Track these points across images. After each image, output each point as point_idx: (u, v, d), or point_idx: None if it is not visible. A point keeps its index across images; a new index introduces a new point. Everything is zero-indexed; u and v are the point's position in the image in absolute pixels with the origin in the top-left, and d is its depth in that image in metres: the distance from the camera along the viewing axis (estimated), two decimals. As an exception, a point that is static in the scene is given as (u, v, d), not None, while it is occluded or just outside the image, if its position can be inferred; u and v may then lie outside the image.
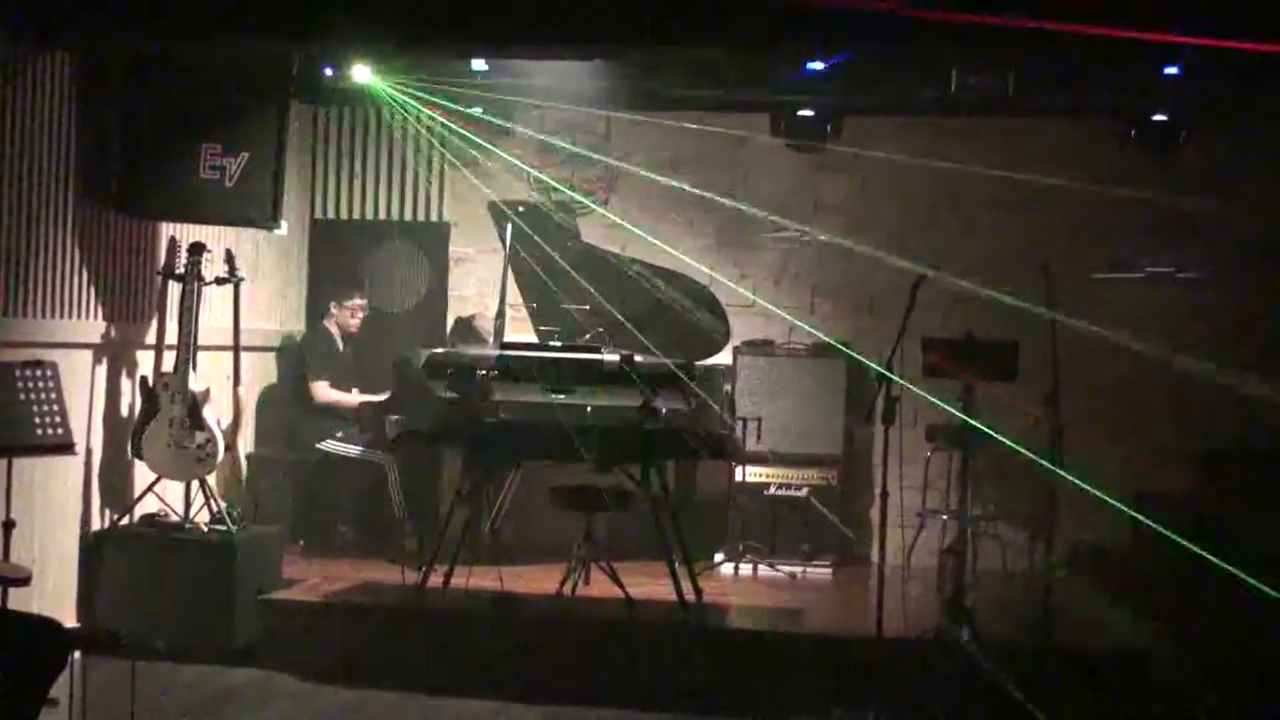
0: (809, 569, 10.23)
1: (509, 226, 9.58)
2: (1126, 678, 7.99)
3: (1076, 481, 7.84)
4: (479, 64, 9.71)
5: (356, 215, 11.65)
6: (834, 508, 10.51)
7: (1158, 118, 9.85)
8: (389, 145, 11.61)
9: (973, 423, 8.72)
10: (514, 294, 9.87)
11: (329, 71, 9.93)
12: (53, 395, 7.56)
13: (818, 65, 9.21)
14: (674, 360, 8.79)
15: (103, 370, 8.78)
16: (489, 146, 11.27)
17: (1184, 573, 9.53)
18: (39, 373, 7.53)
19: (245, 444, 9.70)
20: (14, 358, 7.61)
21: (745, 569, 10.23)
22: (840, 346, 10.39)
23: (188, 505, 8.94)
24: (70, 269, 8.45)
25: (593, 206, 11.33)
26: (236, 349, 9.29)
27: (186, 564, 8.53)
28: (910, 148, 10.98)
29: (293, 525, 10.26)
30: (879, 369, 7.84)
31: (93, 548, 8.61)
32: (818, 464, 10.53)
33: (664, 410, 8.68)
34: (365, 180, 11.64)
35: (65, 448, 7.66)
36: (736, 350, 10.60)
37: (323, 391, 10.37)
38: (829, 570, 10.29)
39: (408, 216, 11.61)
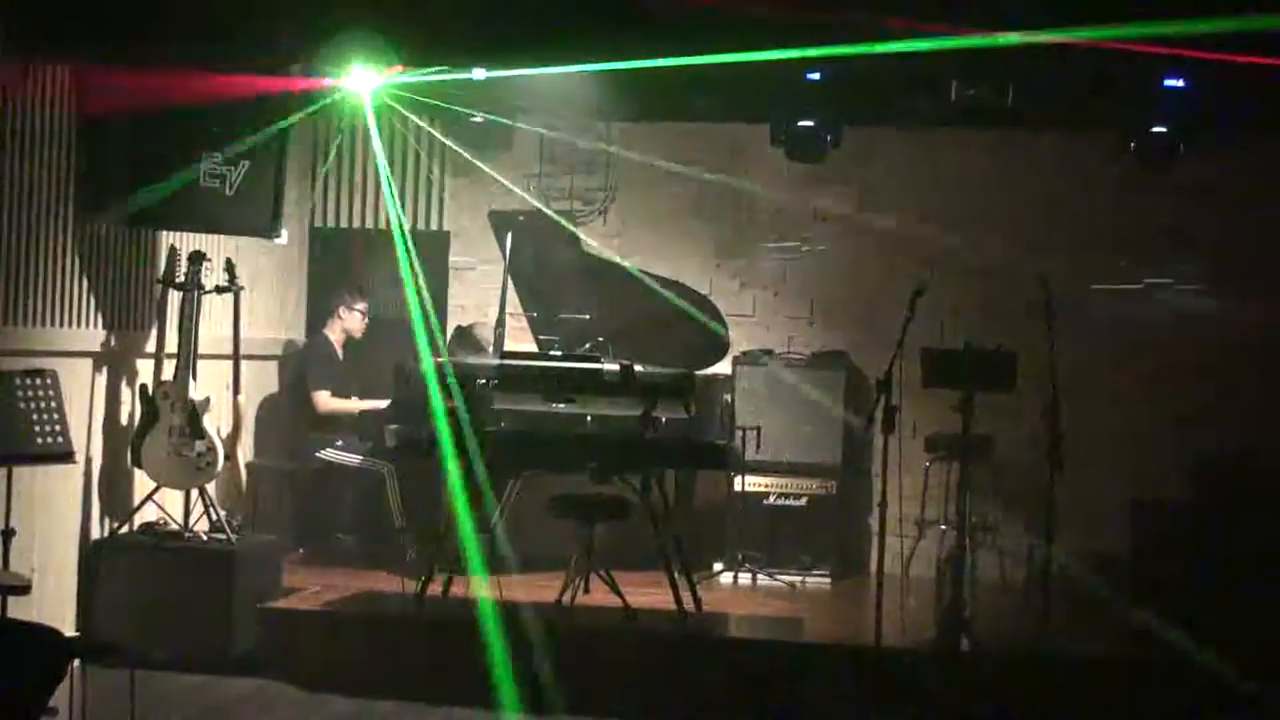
0: (808, 578, 10.24)
1: (509, 236, 9.59)
2: (1125, 687, 7.99)
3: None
4: (479, 73, 9.73)
5: (356, 224, 11.66)
6: (832, 517, 10.52)
7: (1156, 130, 9.85)
8: (389, 154, 11.60)
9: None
10: (514, 303, 9.88)
11: (329, 80, 9.95)
12: (53, 404, 7.56)
13: (817, 76, 9.26)
14: (673, 370, 8.80)
15: (103, 379, 8.78)
16: (489, 155, 11.30)
17: (1182, 580, 9.58)
18: (39, 381, 7.54)
19: (245, 452, 9.69)
20: (14, 366, 7.61)
21: (744, 578, 10.25)
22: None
23: (187, 514, 8.94)
24: (70, 277, 8.45)
25: (592, 216, 11.34)
26: (236, 358, 9.30)
27: (186, 573, 8.53)
28: (909, 159, 11.02)
29: (292, 534, 10.27)
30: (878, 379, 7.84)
31: (92, 556, 8.60)
32: (817, 473, 10.53)
33: (663, 420, 8.69)
34: (365, 189, 11.64)
35: (65, 456, 7.67)
36: (736, 360, 10.60)
37: (325, 401, 10.37)
38: (828, 580, 10.29)
39: (408, 225, 11.62)
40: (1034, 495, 9.18)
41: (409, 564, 9.53)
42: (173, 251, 9.12)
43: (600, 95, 9.99)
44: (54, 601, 8.24)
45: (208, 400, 8.84)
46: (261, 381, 10.78)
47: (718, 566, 10.33)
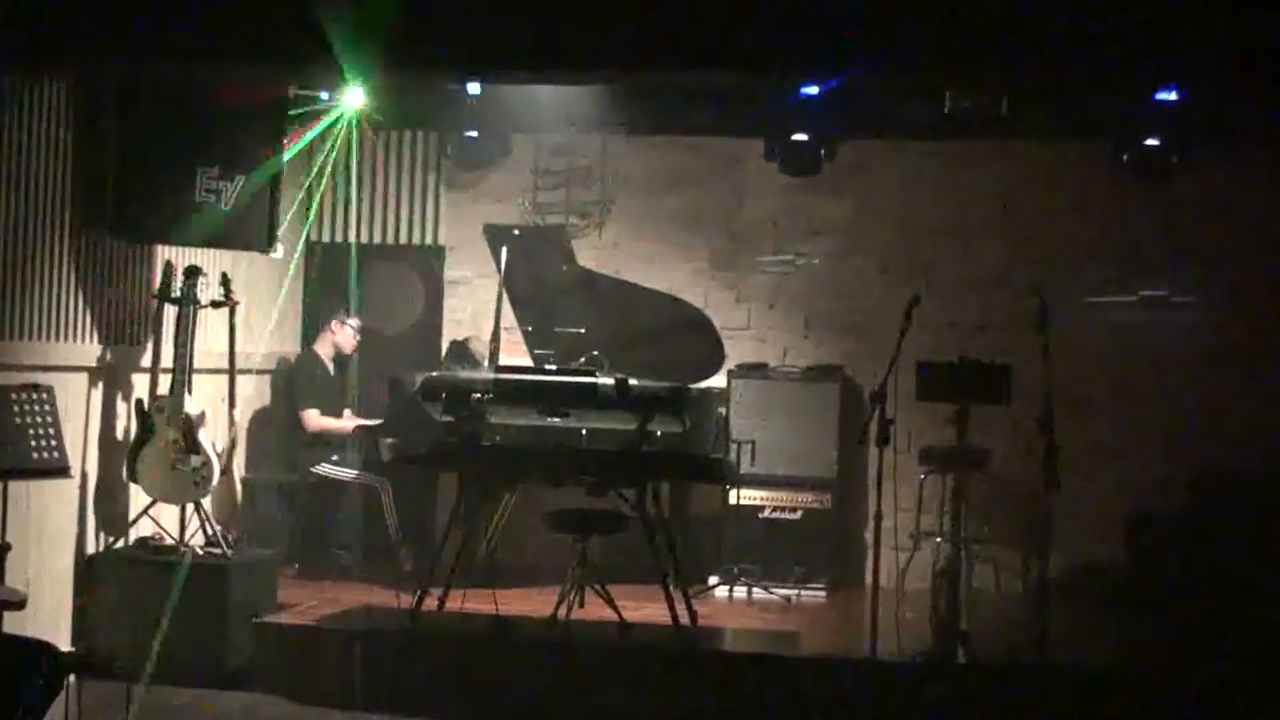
0: (803, 591, 10.24)
1: (504, 249, 9.60)
2: (1121, 699, 7.99)
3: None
4: (474, 87, 9.75)
5: (352, 238, 11.66)
6: (828, 530, 10.52)
7: (1150, 142, 9.87)
8: (385, 169, 11.62)
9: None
10: (509, 317, 9.89)
11: (324, 95, 9.97)
12: (48, 418, 7.58)
13: (812, 90, 9.28)
14: (669, 383, 8.80)
15: (98, 393, 8.79)
16: (485, 169, 11.33)
17: (1178, 593, 9.60)
18: (35, 396, 7.56)
19: (240, 467, 9.69)
20: (10, 381, 7.63)
21: (740, 592, 10.24)
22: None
23: (183, 528, 8.94)
24: (66, 292, 8.46)
25: (588, 229, 11.35)
26: (232, 372, 9.29)
27: (181, 587, 8.51)
28: (904, 171, 11.04)
29: (287, 548, 10.26)
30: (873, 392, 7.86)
31: (88, 571, 8.60)
32: (812, 486, 10.53)
33: (658, 433, 8.70)
34: (360, 203, 11.65)
35: (61, 471, 7.69)
36: (731, 373, 10.60)
37: (313, 420, 10.33)
38: (823, 593, 10.29)
39: (403, 240, 11.63)
40: (1029, 507, 9.21)
41: (404, 578, 9.53)
42: (168, 266, 9.12)
43: (596, 109, 10.01)
44: (50, 616, 8.24)
45: (203, 415, 8.84)
46: (257, 396, 10.78)
47: (713, 580, 10.33)
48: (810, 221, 11.22)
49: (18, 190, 8.03)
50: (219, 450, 8.95)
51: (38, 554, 8.18)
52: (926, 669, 8.02)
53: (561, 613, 8.52)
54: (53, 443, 7.57)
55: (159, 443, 8.70)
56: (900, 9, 7.17)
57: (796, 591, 10.23)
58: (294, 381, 10.58)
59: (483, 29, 7.64)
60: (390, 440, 9.12)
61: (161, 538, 8.88)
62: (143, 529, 8.91)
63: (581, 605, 8.66)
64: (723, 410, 10.08)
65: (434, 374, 9.17)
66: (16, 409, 7.48)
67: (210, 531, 8.85)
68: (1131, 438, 10.56)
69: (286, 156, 9.26)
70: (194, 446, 8.72)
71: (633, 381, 8.68)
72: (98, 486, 8.79)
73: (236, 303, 9.27)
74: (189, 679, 8.25)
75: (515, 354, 10.11)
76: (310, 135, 10.79)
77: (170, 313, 9.04)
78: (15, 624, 7.13)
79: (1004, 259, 10.79)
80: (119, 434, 8.96)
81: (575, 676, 8.21)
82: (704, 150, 11.26)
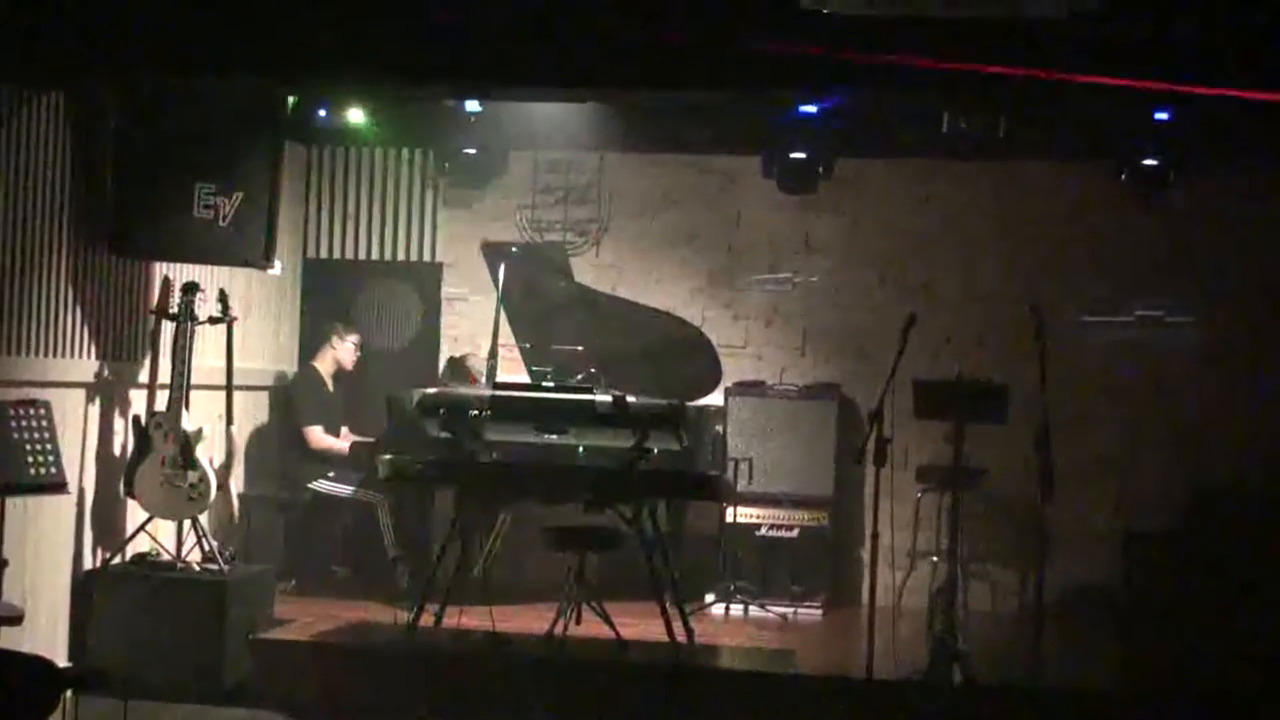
0: (800, 610, 10.24)
1: (502, 267, 9.61)
2: (1118, 718, 7.99)
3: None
4: (473, 104, 9.76)
5: (349, 255, 11.67)
6: (824, 548, 10.52)
7: (1148, 161, 9.89)
8: (382, 185, 11.63)
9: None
10: (506, 334, 9.90)
11: (322, 111, 9.99)
12: (45, 434, 7.57)
13: (810, 109, 9.29)
14: (666, 401, 8.81)
15: (95, 409, 8.78)
16: (482, 187, 11.34)
17: (1175, 611, 9.59)
18: (32, 411, 7.55)
19: (237, 483, 9.69)
20: (7, 396, 7.62)
21: (736, 609, 10.23)
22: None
23: (180, 544, 8.93)
24: (64, 308, 8.46)
25: (585, 247, 11.36)
26: (229, 388, 9.29)
27: (178, 603, 8.50)
28: (901, 189, 11.06)
29: (284, 565, 10.26)
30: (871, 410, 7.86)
31: (85, 587, 8.59)
32: (809, 505, 10.54)
33: (655, 451, 8.70)
34: (358, 220, 11.66)
35: (58, 487, 7.67)
36: (728, 391, 10.61)
37: (318, 438, 10.35)
38: (819, 611, 10.29)
39: (400, 256, 11.63)
40: (1026, 526, 9.22)
41: (401, 594, 9.52)
42: (166, 282, 9.13)
43: (593, 127, 10.02)
44: (46, 632, 8.23)
45: (200, 431, 8.84)
46: (254, 412, 10.78)
47: (710, 598, 10.32)
48: (808, 239, 11.23)
49: (15, 205, 8.03)
50: (216, 466, 8.95)
51: (35, 569, 8.17)
52: (923, 688, 8.01)
53: (558, 630, 8.52)
54: (50, 458, 7.56)
55: (156, 459, 8.69)
56: (896, 29, 7.19)
57: (793, 609, 10.22)
58: (295, 398, 10.58)
59: (480, 46, 7.66)
60: (387, 457, 9.13)
61: (159, 553, 8.88)
62: (140, 545, 8.89)
63: (578, 622, 8.66)
64: (719, 428, 10.10)
65: (431, 391, 9.17)
66: (14, 424, 7.47)
67: (207, 547, 8.84)
68: (1128, 455, 10.57)
69: (283, 173, 9.26)
70: (191, 462, 8.72)
71: (630, 399, 8.68)
72: (95, 502, 8.78)
73: (234, 319, 9.27)
74: (186, 694, 8.24)
75: (513, 371, 10.12)
76: (307, 151, 10.85)
77: (168, 329, 9.04)
78: (12, 639, 7.12)
79: (1001, 276, 10.80)
80: (116, 450, 8.95)
81: (572, 693, 8.20)
82: (701, 168, 11.27)
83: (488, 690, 8.26)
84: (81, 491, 8.62)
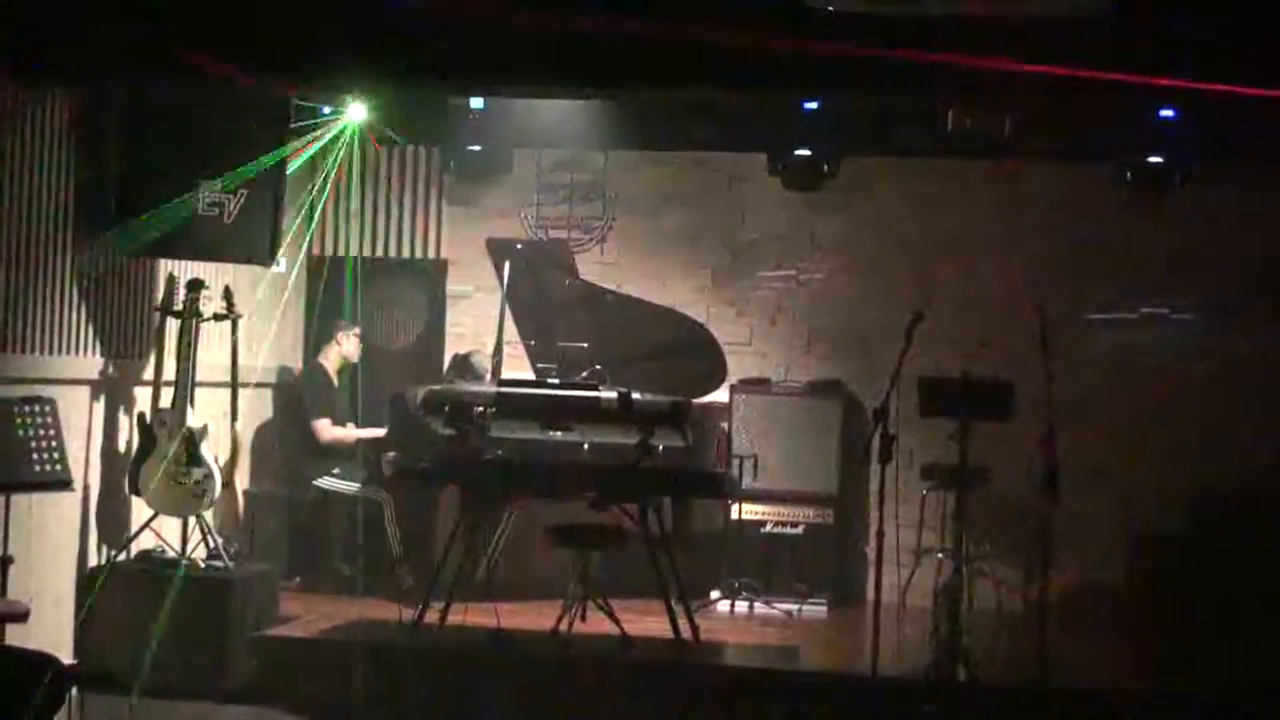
0: (804, 607, 10.23)
1: (507, 264, 9.61)
2: (1122, 718, 7.99)
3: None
4: (477, 102, 9.76)
5: (355, 252, 11.66)
6: (829, 546, 10.52)
7: (1153, 160, 9.88)
8: (387, 183, 11.63)
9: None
10: (511, 331, 9.90)
11: (326, 109, 9.98)
12: (51, 431, 7.59)
13: (814, 106, 9.29)
14: (671, 398, 8.81)
15: (100, 406, 8.79)
16: (487, 184, 11.34)
17: (1179, 612, 9.60)
18: (37, 409, 7.56)
19: (242, 480, 9.69)
20: (12, 394, 7.63)
21: (741, 607, 10.24)
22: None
23: (184, 541, 8.94)
24: (68, 305, 8.46)
25: (590, 244, 11.36)
26: (234, 385, 9.29)
27: (183, 600, 8.50)
28: (906, 188, 11.05)
29: (289, 562, 10.27)
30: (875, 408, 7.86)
31: (90, 584, 8.59)
32: (813, 502, 10.53)
33: (660, 448, 8.70)
34: (363, 217, 11.66)
35: (63, 484, 7.69)
36: (733, 389, 10.60)
37: (326, 430, 10.36)
38: (824, 608, 10.29)
39: (405, 253, 11.63)
40: (1031, 525, 9.21)
41: (405, 592, 9.53)
42: (171, 279, 9.13)
43: (598, 124, 10.02)
44: (51, 629, 8.24)
45: (205, 428, 8.85)
46: (259, 409, 10.78)
47: (715, 595, 10.32)
48: (813, 237, 11.22)
49: (20, 203, 8.04)
50: (221, 463, 8.96)
51: (40, 567, 8.18)
52: (927, 686, 8.01)
53: (563, 627, 8.53)
54: (55, 455, 7.57)
55: (161, 456, 8.70)
56: (900, 26, 7.19)
57: (798, 607, 10.22)
58: (304, 392, 10.59)
59: (486, 43, 7.66)
60: (392, 454, 9.13)
61: (163, 551, 8.88)
62: (144, 542, 8.90)
63: (583, 619, 8.66)
64: (724, 425, 10.12)
65: (436, 388, 9.17)
66: (19, 422, 7.48)
67: (212, 544, 8.85)
68: (1133, 455, 10.55)
69: (289, 170, 9.27)
70: (196, 459, 8.73)
71: (635, 396, 8.68)
72: (100, 500, 8.80)
73: (239, 316, 9.27)
74: (190, 692, 8.25)
75: (517, 368, 10.12)
76: (313, 149, 10.83)
77: (172, 326, 9.04)
78: (17, 636, 7.13)
79: (1006, 275, 10.79)
80: (121, 447, 8.96)
81: (577, 691, 8.21)
82: (706, 166, 11.26)
83: (492, 688, 8.26)
84: (86, 489, 8.63)
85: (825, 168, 10.31)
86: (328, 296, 11.48)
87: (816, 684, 8.22)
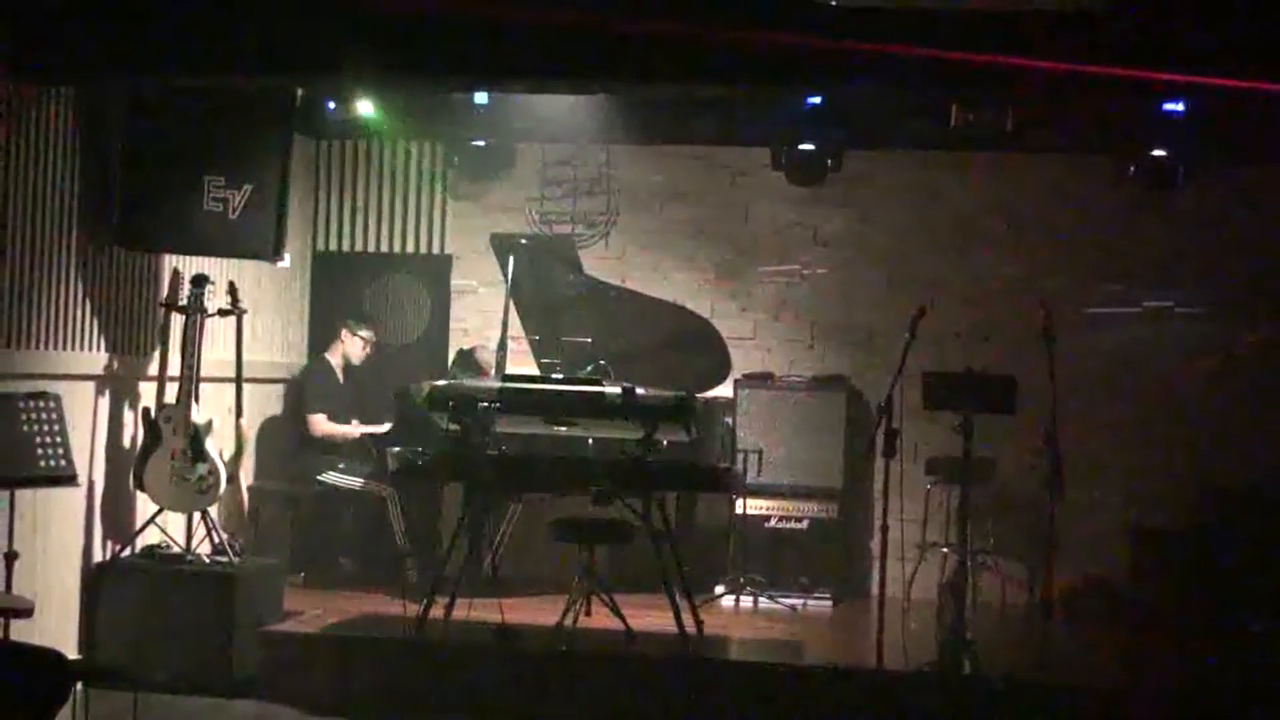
0: (809, 601, 10.24)
1: (510, 259, 9.61)
2: (1127, 714, 7.99)
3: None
4: (481, 97, 9.76)
5: (359, 248, 11.67)
6: (833, 540, 10.53)
7: (1156, 154, 9.88)
8: (391, 178, 11.63)
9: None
10: (515, 326, 9.90)
11: (331, 105, 9.99)
12: (55, 426, 7.59)
13: (818, 100, 9.29)
14: (675, 393, 8.80)
15: (105, 402, 8.80)
16: (491, 179, 11.34)
17: (1182, 606, 9.60)
18: (42, 404, 7.56)
19: (247, 476, 9.71)
20: (17, 389, 7.64)
21: (745, 601, 10.24)
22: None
23: (189, 537, 8.96)
24: (73, 301, 8.47)
25: (594, 239, 11.37)
26: (239, 381, 9.31)
27: (188, 596, 8.53)
28: (909, 182, 11.05)
29: (294, 557, 10.27)
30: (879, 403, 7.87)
31: (95, 579, 8.61)
32: (818, 496, 10.54)
33: (665, 442, 8.71)
34: (367, 213, 11.66)
35: (68, 479, 7.68)
36: (737, 383, 10.61)
37: (320, 424, 10.37)
38: (829, 603, 10.30)
39: (409, 249, 11.63)
40: (1035, 519, 9.23)
41: (411, 587, 9.53)
42: (175, 274, 9.15)
43: (602, 119, 10.02)
44: (56, 624, 8.25)
45: (210, 423, 8.85)
46: (263, 404, 10.80)
47: (719, 589, 10.32)
48: (816, 232, 11.23)
49: (24, 200, 8.04)
50: (225, 459, 8.96)
51: (45, 562, 8.19)
52: (932, 680, 8.02)
53: (567, 622, 8.52)
54: (60, 451, 7.57)
55: (166, 451, 8.71)
56: (903, 21, 7.19)
57: (802, 601, 10.23)
58: (303, 386, 10.61)
59: (489, 38, 7.65)
60: (397, 449, 9.13)
61: (168, 546, 8.89)
62: (149, 537, 8.91)
63: (588, 614, 8.66)
64: (728, 420, 10.12)
65: (440, 383, 9.17)
66: (24, 417, 7.48)
67: (217, 540, 8.86)
68: (1137, 450, 10.56)
69: (293, 166, 9.27)
70: (201, 455, 8.73)
71: (639, 391, 8.68)
72: (105, 495, 8.81)
73: (244, 311, 9.29)
74: (195, 687, 8.27)
75: (522, 363, 10.13)
76: (316, 144, 10.85)
77: (177, 321, 9.04)
78: (22, 632, 7.14)
79: (1009, 270, 10.80)
80: (126, 443, 8.97)
81: (581, 685, 8.22)
82: (710, 160, 11.27)
83: (497, 682, 8.27)
84: (91, 484, 8.65)
85: (828, 162, 10.33)
86: (332, 292, 11.51)
87: (821, 679, 8.22)
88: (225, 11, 7.78)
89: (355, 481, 10.24)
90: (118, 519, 8.91)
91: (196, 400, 8.79)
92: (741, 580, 10.30)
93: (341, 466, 10.28)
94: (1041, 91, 8.01)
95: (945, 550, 9.98)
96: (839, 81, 7.93)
